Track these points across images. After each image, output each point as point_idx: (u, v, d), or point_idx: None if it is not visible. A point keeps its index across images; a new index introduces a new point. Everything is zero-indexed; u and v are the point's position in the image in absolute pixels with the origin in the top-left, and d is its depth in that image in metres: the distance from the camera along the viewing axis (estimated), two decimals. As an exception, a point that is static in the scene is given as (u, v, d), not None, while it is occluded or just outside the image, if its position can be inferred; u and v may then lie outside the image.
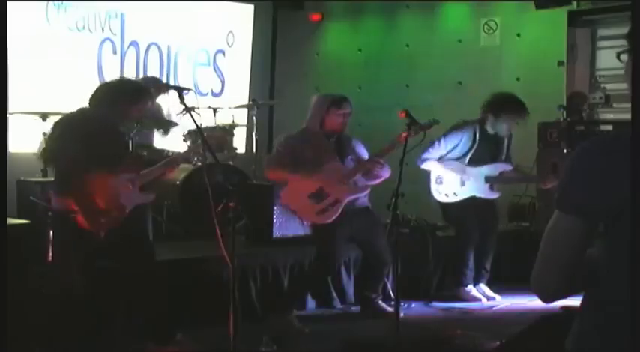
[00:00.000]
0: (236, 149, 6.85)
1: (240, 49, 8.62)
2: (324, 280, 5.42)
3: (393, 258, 5.05)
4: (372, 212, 5.35)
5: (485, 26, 7.80)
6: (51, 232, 4.77)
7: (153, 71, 7.77)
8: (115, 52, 7.58)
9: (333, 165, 5.18)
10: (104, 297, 4.48)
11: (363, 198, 5.27)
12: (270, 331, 4.55)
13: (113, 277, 4.46)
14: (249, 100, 8.07)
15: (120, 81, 4.63)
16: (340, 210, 5.08)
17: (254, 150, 7.21)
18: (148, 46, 7.84)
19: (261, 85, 8.87)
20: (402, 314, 4.63)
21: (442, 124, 6.49)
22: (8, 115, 5.96)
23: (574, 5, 7.17)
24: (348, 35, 8.90)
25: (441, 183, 5.85)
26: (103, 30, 7.49)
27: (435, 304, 5.79)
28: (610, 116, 6.99)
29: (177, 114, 6.74)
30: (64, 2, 7.14)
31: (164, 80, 7.51)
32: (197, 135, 5.88)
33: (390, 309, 5.28)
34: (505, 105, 5.73)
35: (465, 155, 5.80)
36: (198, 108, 5.98)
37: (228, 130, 6.67)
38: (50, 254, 4.64)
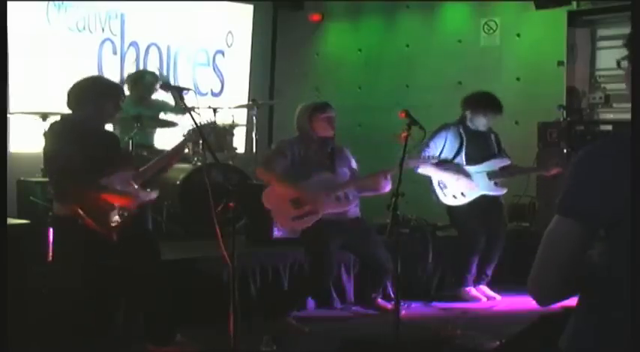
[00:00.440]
0: (236, 149, 6.86)
1: (239, 49, 8.62)
2: (320, 290, 5.41)
3: (394, 259, 5.04)
4: (363, 221, 5.32)
5: (485, 26, 7.80)
6: (52, 234, 4.77)
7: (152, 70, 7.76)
8: (115, 53, 7.59)
9: (323, 175, 5.16)
10: (110, 298, 4.49)
11: (354, 209, 5.26)
12: (270, 331, 4.55)
13: (119, 277, 4.46)
14: (248, 100, 8.07)
15: (89, 80, 4.60)
16: (314, 222, 5.06)
17: (254, 150, 7.21)
18: (148, 46, 7.84)
19: (261, 85, 8.87)
20: (402, 314, 4.63)
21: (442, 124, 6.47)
22: (8, 115, 5.97)
23: (574, 5, 7.17)
24: (348, 35, 8.90)
25: (445, 186, 5.83)
26: (103, 30, 7.49)
27: (435, 304, 5.79)
28: (610, 116, 6.99)
29: (177, 115, 6.78)
30: (65, 2, 7.15)
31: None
32: (197, 134, 5.89)
33: (389, 307, 5.28)
34: (481, 100, 5.79)
35: (457, 155, 5.79)
36: (198, 108, 5.99)
37: (227, 130, 6.68)
38: (55, 256, 4.64)
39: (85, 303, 4.34)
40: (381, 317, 5.23)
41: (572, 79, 7.17)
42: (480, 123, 5.80)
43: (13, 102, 6.48)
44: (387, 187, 5.10)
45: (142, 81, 6.67)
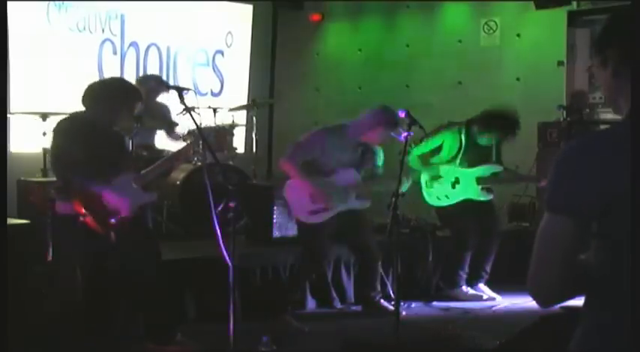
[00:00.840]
0: (236, 149, 6.86)
1: (239, 50, 8.62)
2: (314, 278, 5.41)
3: (394, 259, 5.05)
4: (356, 210, 5.32)
5: (485, 26, 7.80)
6: (52, 234, 4.78)
7: (152, 71, 7.77)
8: (115, 53, 7.59)
9: (347, 173, 5.17)
10: (109, 297, 4.49)
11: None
12: (270, 331, 4.55)
13: (119, 277, 4.46)
14: (248, 100, 8.08)
15: (113, 80, 4.62)
16: (327, 217, 5.08)
17: (254, 150, 7.21)
18: (148, 47, 7.85)
19: (260, 85, 8.87)
20: (402, 314, 4.63)
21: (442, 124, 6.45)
22: (8, 115, 5.98)
23: (574, 5, 7.17)
24: (348, 35, 8.90)
25: (431, 186, 5.85)
26: (103, 30, 7.49)
27: (435, 304, 5.79)
28: (610, 116, 6.99)
29: (177, 114, 6.78)
30: (65, 2, 7.14)
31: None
32: (197, 134, 5.89)
33: (390, 308, 5.29)
34: (493, 123, 5.66)
35: (454, 157, 5.78)
36: (198, 108, 5.99)
37: (227, 130, 6.68)
38: (54, 255, 4.65)
39: (85, 303, 4.34)
40: (381, 317, 5.23)
41: (572, 79, 7.18)
42: (485, 138, 5.74)
43: (13, 102, 6.48)
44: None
45: (146, 85, 6.67)
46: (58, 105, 6.43)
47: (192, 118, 4.14)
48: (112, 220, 4.12)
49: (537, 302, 1.68)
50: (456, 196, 5.81)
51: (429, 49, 8.23)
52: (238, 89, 8.59)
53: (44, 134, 5.88)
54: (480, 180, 5.79)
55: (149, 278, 4.33)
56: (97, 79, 7.29)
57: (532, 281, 1.65)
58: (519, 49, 7.61)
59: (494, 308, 5.68)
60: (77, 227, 4.10)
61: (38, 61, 6.97)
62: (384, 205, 4.58)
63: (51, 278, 4.51)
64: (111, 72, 7.43)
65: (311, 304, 5.51)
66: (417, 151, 5.75)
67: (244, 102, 8.10)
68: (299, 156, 5.07)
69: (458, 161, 5.77)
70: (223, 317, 3.76)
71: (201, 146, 5.93)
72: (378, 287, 5.47)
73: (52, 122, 5.94)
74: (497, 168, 5.86)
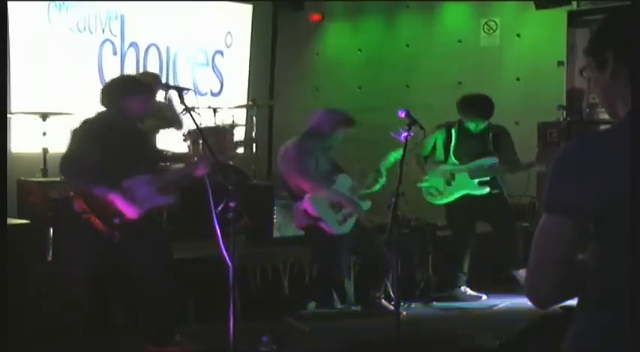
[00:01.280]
0: (236, 149, 6.86)
1: (238, 50, 8.62)
2: (328, 291, 5.43)
3: (393, 258, 5.05)
4: (360, 221, 5.37)
5: (485, 26, 7.80)
6: (58, 232, 4.78)
7: (152, 71, 7.77)
8: (115, 53, 7.59)
9: (344, 176, 5.19)
10: (109, 298, 4.49)
11: None
12: (270, 331, 4.55)
13: (120, 277, 4.46)
14: (247, 100, 8.08)
15: (118, 78, 4.62)
16: (352, 225, 5.09)
17: (254, 150, 7.21)
18: (148, 47, 7.85)
19: (260, 85, 8.87)
20: (402, 314, 4.63)
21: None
22: (8, 115, 5.97)
23: (574, 5, 7.18)
24: (348, 35, 8.90)
25: (427, 185, 5.87)
26: (103, 31, 7.49)
27: (435, 304, 5.79)
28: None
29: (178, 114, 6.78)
30: (65, 2, 7.14)
31: (163, 80, 7.50)
32: (197, 134, 5.89)
33: (390, 308, 5.29)
34: (467, 104, 5.75)
35: (447, 154, 5.81)
36: (198, 108, 6.00)
37: (228, 130, 6.68)
38: (55, 255, 4.64)
39: (87, 303, 4.34)
40: (381, 317, 5.23)
41: (572, 78, 7.18)
42: (470, 125, 5.78)
43: (14, 102, 6.48)
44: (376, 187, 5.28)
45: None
46: (58, 105, 6.44)
47: (192, 118, 4.14)
48: (116, 220, 4.12)
49: (534, 303, 1.68)
50: (451, 193, 5.82)
51: (428, 49, 8.23)
52: (238, 89, 8.59)
53: (44, 134, 5.88)
54: (475, 174, 5.79)
55: (153, 279, 4.32)
56: (96, 79, 7.35)
57: (529, 282, 1.65)
58: (519, 49, 7.61)
59: (494, 308, 5.68)
60: (83, 225, 4.10)
61: (38, 61, 6.97)
62: (384, 205, 4.58)
63: (52, 278, 4.51)
64: (111, 72, 7.42)
65: (311, 304, 5.51)
66: (423, 153, 5.83)
67: (244, 102, 8.10)
68: (303, 169, 5.07)
69: (451, 157, 5.78)
70: (223, 318, 3.75)
71: (201, 146, 5.94)
72: (381, 290, 5.47)
73: (53, 122, 5.96)
74: (490, 161, 5.83)
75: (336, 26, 8.97)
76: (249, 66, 8.75)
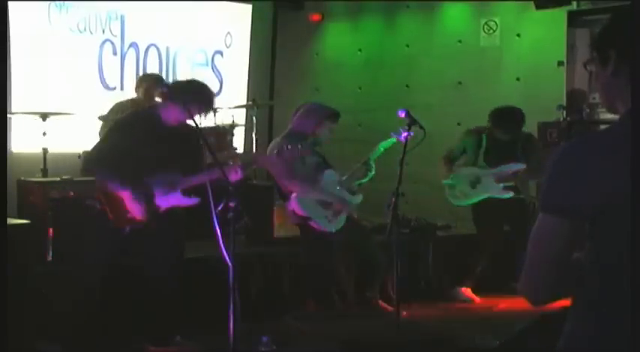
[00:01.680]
0: (236, 149, 6.85)
1: (238, 50, 8.62)
2: (324, 288, 5.42)
3: (390, 257, 5.06)
4: (354, 219, 5.42)
5: (485, 26, 7.80)
6: (54, 231, 4.78)
7: (152, 71, 7.76)
8: (115, 53, 7.59)
9: (330, 172, 5.20)
10: (113, 296, 4.49)
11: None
12: (270, 331, 4.55)
13: (129, 276, 4.47)
14: (247, 100, 8.08)
15: (197, 83, 4.59)
16: (343, 222, 5.10)
17: (254, 150, 7.21)
18: (148, 47, 7.85)
19: (260, 85, 8.86)
20: (402, 314, 4.63)
21: (442, 124, 6.50)
22: (8, 115, 5.97)
23: (574, 5, 7.17)
24: (348, 35, 8.90)
25: (452, 187, 5.91)
26: (103, 31, 7.50)
27: (435, 304, 5.79)
28: (610, 116, 6.97)
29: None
30: (66, 3, 7.14)
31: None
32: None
33: (390, 308, 5.29)
34: (499, 116, 5.84)
35: (477, 159, 5.88)
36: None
37: (228, 130, 6.68)
38: (67, 253, 4.65)
39: (91, 300, 4.35)
40: (381, 317, 5.23)
41: (572, 79, 7.17)
42: (503, 136, 5.86)
43: (14, 102, 6.48)
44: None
45: (146, 83, 6.66)
46: (58, 105, 6.43)
47: (192, 118, 4.14)
48: (130, 215, 4.15)
49: (529, 301, 1.68)
50: (475, 195, 5.85)
51: (428, 49, 8.23)
52: (237, 89, 8.59)
53: (44, 134, 5.87)
54: (500, 179, 5.82)
55: (156, 278, 4.32)
56: (96, 79, 7.36)
57: (524, 280, 1.66)
58: (519, 49, 7.61)
59: (494, 309, 5.68)
60: (96, 222, 4.13)
61: (39, 62, 6.97)
62: (384, 205, 4.58)
63: (52, 278, 4.52)
64: (111, 72, 7.43)
65: (311, 304, 5.50)
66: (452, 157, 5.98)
67: (243, 102, 8.10)
68: (292, 174, 5.08)
69: (482, 161, 5.84)
70: (223, 318, 3.75)
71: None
72: (377, 290, 5.47)
73: (53, 122, 5.96)
74: (517, 167, 5.86)
75: (336, 26, 8.97)
76: (249, 66, 8.75)
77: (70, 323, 4.29)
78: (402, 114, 4.75)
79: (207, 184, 3.91)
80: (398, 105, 5.33)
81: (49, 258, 4.85)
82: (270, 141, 8.64)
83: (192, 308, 4.85)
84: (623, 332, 1.56)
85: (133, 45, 7.74)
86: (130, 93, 6.75)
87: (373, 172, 5.31)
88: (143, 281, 4.42)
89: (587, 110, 7.03)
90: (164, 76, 7.82)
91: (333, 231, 5.09)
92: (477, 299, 5.89)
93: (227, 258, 3.69)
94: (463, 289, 5.90)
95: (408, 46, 8.41)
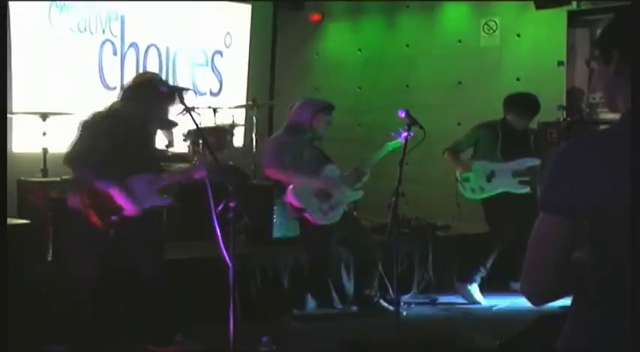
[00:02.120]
0: (236, 149, 6.85)
1: (237, 50, 8.62)
2: (323, 281, 5.43)
3: (394, 259, 5.06)
4: (351, 214, 5.44)
5: (485, 26, 7.80)
6: (56, 231, 4.77)
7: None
8: (115, 53, 7.59)
9: (332, 167, 5.23)
10: (108, 297, 4.49)
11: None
12: (270, 331, 4.55)
13: (119, 277, 4.46)
14: (247, 100, 8.08)
15: (151, 78, 4.61)
16: (338, 215, 5.11)
17: (254, 150, 7.21)
18: (148, 47, 7.85)
19: (260, 85, 8.86)
20: (402, 314, 4.64)
21: (442, 124, 6.50)
22: (9, 115, 5.97)
23: (574, 5, 7.17)
24: (348, 35, 8.90)
25: (467, 180, 5.87)
26: (103, 31, 7.50)
27: (435, 304, 5.79)
28: (610, 116, 6.98)
29: (178, 114, 6.77)
30: (67, 3, 7.15)
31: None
32: (197, 134, 5.89)
33: (390, 308, 5.29)
34: (517, 101, 5.88)
35: (492, 152, 5.84)
36: (198, 108, 5.99)
37: (228, 130, 6.68)
38: (60, 254, 4.64)
39: (86, 302, 4.34)
40: (381, 317, 5.23)
41: (572, 78, 7.17)
42: (517, 123, 5.87)
43: (14, 102, 6.48)
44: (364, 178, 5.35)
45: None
46: (58, 105, 6.43)
47: (192, 118, 4.15)
48: (114, 217, 4.13)
49: (530, 301, 1.69)
50: (491, 189, 5.83)
51: (429, 49, 8.23)
52: (237, 89, 8.60)
53: (44, 134, 5.87)
54: (516, 173, 5.81)
55: (149, 279, 4.33)
56: (97, 79, 7.36)
57: (525, 280, 1.66)
58: (519, 49, 7.61)
59: (494, 309, 5.68)
60: (82, 222, 4.11)
61: (39, 62, 6.98)
62: (384, 205, 4.58)
63: (52, 278, 4.51)
64: (111, 72, 7.43)
65: (311, 304, 5.51)
66: (458, 149, 5.93)
67: (243, 102, 8.10)
68: (279, 162, 5.10)
69: (498, 155, 5.82)
70: (223, 318, 3.76)
71: (201, 146, 5.94)
72: (376, 287, 5.47)
73: (53, 122, 5.96)
74: (533, 162, 5.86)
75: (336, 26, 8.97)
76: (249, 66, 8.75)
77: (71, 324, 4.29)
78: (402, 114, 4.75)
79: (207, 184, 3.90)
80: (398, 105, 5.33)
81: (49, 258, 4.85)
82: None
83: (193, 308, 4.85)
84: (623, 332, 1.56)
85: (133, 45, 7.74)
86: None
87: (366, 177, 5.32)
88: (133, 283, 4.41)
89: (587, 110, 7.03)
90: (164, 76, 7.83)
91: (327, 224, 5.09)
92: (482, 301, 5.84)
93: (227, 258, 3.70)
94: (469, 287, 5.83)
95: (408, 46, 8.41)
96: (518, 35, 7.62)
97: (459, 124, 7.31)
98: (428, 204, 6.14)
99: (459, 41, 7.99)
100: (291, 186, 5.10)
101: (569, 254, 1.63)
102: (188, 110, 4.18)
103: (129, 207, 4.15)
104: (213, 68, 8.42)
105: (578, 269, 1.65)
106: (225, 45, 8.52)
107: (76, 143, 4.20)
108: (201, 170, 4.35)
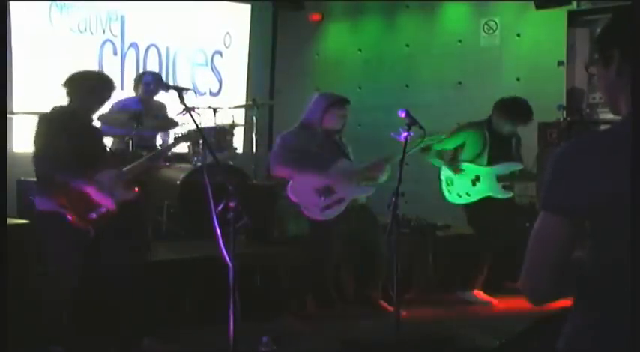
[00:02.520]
0: (236, 149, 6.85)
1: (237, 50, 8.63)
2: (323, 279, 5.43)
3: (392, 255, 5.05)
4: (368, 209, 5.36)
5: (485, 26, 7.80)
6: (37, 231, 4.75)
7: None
8: (115, 53, 7.60)
9: (342, 162, 5.22)
10: (92, 296, 4.45)
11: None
12: (270, 331, 4.55)
13: (98, 275, 4.43)
14: (246, 100, 8.08)
15: (89, 71, 4.67)
16: (344, 208, 5.11)
17: (254, 150, 7.21)
18: (148, 48, 7.86)
19: (260, 85, 8.87)
20: (402, 314, 4.63)
21: (442, 124, 6.49)
22: (9, 115, 5.97)
23: (574, 5, 7.17)
24: (348, 35, 8.90)
25: (451, 183, 5.84)
26: (104, 32, 7.51)
27: (435, 304, 5.79)
28: (610, 116, 6.98)
29: (177, 114, 6.76)
30: (67, 3, 7.15)
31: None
32: (197, 134, 5.89)
33: (390, 308, 5.29)
34: (511, 107, 5.77)
35: (479, 156, 5.79)
36: (198, 108, 5.99)
37: (228, 130, 6.68)
38: (41, 254, 4.62)
39: (72, 304, 4.31)
40: (381, 317, 5.23)
41: (572, 78, 7.18)
42: (505, 128, 5.79)
43: (14, 102, 6.49)
44: (384, 177, 5.22)
45: (142, 82, 6.67)
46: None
47: (192, 118, 4.14)
48: (93, 215, 4.13)
49: (530, 301, 1.68)
50: (476, 194, 5.80)
51: (428, 49, 8.23)
52: (237, 89, 8.60)
53: (36, 124, 5.86)
54: (499, 178, 5.79)
55: (117, 279, 4.29)
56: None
57: (525, 280, 1.66)
58: (519, 49, 7.61)
59: (494, 309, 5.68)
60: (60, 223, 4.09)
61: (39, 62, 6.98)
62: (384, 205, 4.58)
63: (51, 278, 4.50)
64: (111, 72, 7.40)
65: (311, 304, 5.50)
66: (437, 147, 5.77)
67: (243, 102, 8.11)
68: (284, 159, 5.09)
69: (484, 158, 5.77)
70: (223, 318, 3.75)
71: (201, 146, 5.93)
72: (379, 288, 5.47)
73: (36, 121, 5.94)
74: (516, 166, 5.85)
75: (336, 26, 8.97)
76: (249, 66, 8.75)
77: (63, 324, 4.27)
78: (402, 114, 4.74)
79: (207, 184, 3.90)
80: (398, 105, 5.32)
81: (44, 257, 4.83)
82: (270, 141, 8.68)
83: (193, 307, 4.85)
84: (624, 332, 1.56)
85: (133, 45, 7.75)
86: (129, 93, 6.74)
87: (387, 175, 5.24)
88: (106, 284, 4.37)
89: (587, 110, 7.03)
90: (164, 76, 7.83)
91: (323, 219, 5.08)
92: (494, 300, 5.79)
93: (227, 258, 3.69)
94: (475, 292, 5.84)
95: (408, 45, 8.41)
96: (518, 35, 7.62)
97: (458, 124, 7.30)
98: (428, 204, 6.13)
99: (459, 41, 7.99)
100: (290, 182, 5.10)
101: (570, 254, 1.63)
102: (188, 110, 4.18)
103: (107, 202, 4.15)
104: (213, 68, 8.43)
105: (578, 269, 1.65)
106: (225, 45, 8.53)
107: (38, 149, 4.19)
108: (159, 158, 4.46)
